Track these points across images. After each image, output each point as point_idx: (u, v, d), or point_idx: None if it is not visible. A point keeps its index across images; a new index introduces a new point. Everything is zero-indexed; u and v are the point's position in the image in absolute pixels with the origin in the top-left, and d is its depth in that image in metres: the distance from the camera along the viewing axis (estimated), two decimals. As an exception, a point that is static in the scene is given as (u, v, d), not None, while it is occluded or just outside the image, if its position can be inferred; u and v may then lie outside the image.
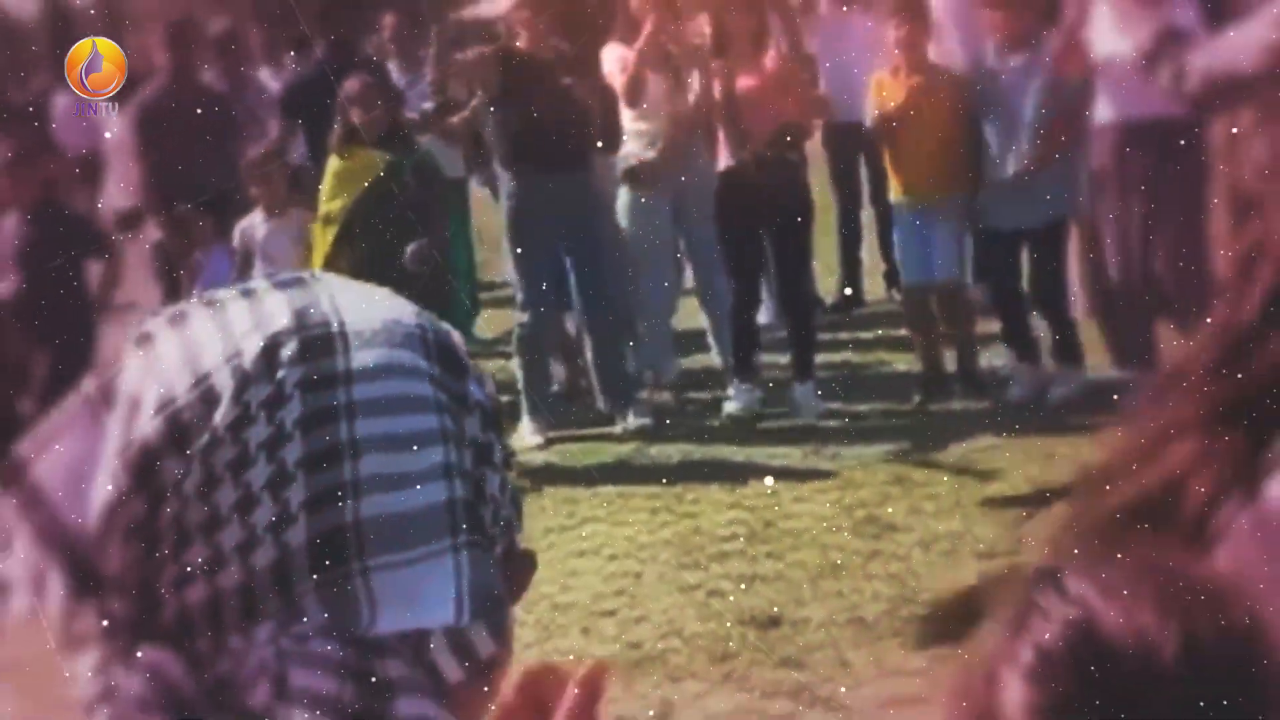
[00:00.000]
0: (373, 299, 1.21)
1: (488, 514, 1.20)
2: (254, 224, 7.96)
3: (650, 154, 8.49)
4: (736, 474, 7.47)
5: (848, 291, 10.50)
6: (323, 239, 7.75)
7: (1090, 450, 6.93)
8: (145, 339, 1.18)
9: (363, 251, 7.41)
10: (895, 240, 8.99)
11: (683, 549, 6.60)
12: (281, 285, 1.20)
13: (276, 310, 1.17)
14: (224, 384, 1.13)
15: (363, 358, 1.16)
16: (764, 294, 9.31)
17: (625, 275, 8.44)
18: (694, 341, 9.38)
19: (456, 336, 1.23)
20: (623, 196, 8.61)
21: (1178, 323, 7.71)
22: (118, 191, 9.46)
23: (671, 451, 7.83)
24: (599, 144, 8.47)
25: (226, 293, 1.20)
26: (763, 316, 9.19)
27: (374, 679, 1.12)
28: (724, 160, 8.45)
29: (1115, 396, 7.57)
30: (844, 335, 9.96)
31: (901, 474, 7.40)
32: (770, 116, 8.32)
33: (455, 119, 9.13)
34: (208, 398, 1.13)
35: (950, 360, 8.60)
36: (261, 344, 1.14)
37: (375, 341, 1.17)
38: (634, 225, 8.58)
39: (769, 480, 7.34)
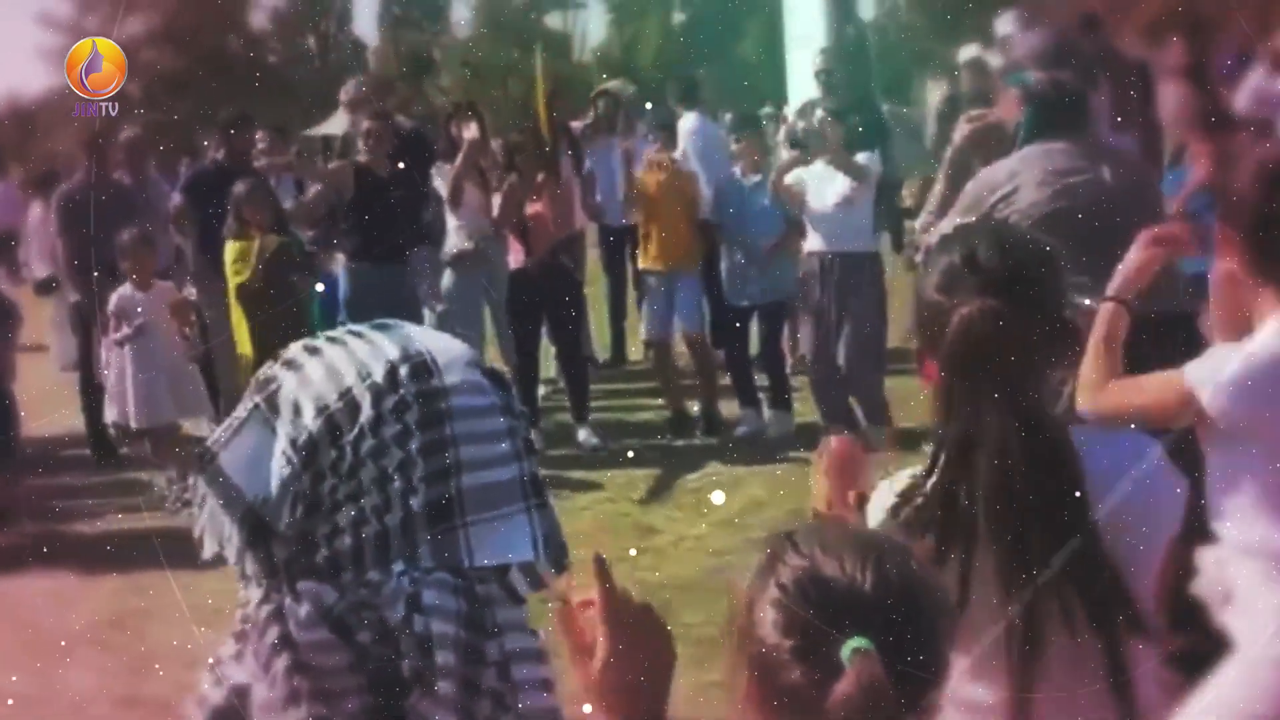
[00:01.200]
0: (441, 338, 1.30)
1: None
2: (126, 293, 7.97)
3: (468, 245, 8.75)
4: (534, 489, 7.67)
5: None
6: (235, 306, 7.96)
7: (797, 476, 7.45)
8: (291, 363, 1.27)
9: (268, 308, 7.63)
10: (644, 302, 9.11)
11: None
12: (380, 328, 1.29)
13: (386, 345, 1.26)
14: (362, 394, 1.22)
15: (452, 377, 1.25)
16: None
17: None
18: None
19: (497, 366, 1.40)
20: (447, 277, 8.85)
21: (855, 385, 8.10)
22: (39, 263, 9.32)
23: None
24: (428, 238, 8.75)
25: (340, 333, 1.30)
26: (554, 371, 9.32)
27: (478, 597, 1.22)
28: (513, 261, 8.66)
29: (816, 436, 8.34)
30: (612, 386, 10.14)
31: (657, 491, 7.61)
32: (549, 233, 8.53)
33: (302, 203, 8.92)
34: (351, 405, 1.22)
35: (692, 406, 8.79)
36: (385, 367, 1.24)
37: (457, 367, 1.27)
38: (454, 299, 8.81)
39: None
